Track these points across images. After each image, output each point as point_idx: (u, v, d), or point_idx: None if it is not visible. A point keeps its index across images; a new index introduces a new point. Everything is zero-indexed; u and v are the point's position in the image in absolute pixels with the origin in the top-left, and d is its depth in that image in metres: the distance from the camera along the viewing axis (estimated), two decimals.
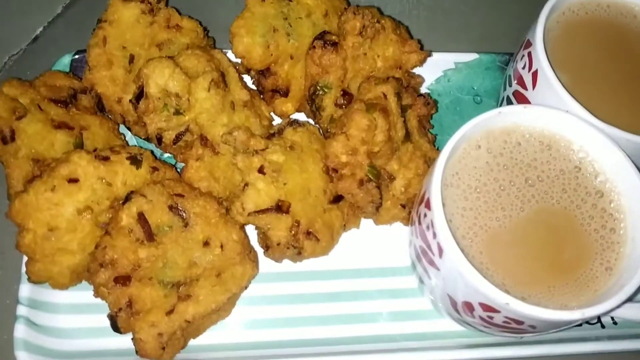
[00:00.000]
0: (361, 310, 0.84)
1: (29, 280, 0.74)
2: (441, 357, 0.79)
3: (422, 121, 0.88)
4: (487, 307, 0.67)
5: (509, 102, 0.86)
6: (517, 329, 0.69)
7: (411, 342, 0.82)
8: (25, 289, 0.78)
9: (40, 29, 1.03)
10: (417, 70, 0.95)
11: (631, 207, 0.72)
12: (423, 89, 1.00)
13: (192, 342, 0.79)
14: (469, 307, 0.70)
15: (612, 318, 0.85)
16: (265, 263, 0.83)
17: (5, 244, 0.83)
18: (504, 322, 0.68)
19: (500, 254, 0.70)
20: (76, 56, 0.92)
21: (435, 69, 1.00)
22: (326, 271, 0.86)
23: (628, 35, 0.84)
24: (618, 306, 0.65)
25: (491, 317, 0.68)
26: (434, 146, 0.89)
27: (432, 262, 0.71)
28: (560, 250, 0.71)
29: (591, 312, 0.64)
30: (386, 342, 0.82)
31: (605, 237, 0.72)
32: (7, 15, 1.04)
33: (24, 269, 0.77)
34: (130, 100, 0.79)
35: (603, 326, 0.86)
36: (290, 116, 0.91)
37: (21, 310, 0.76)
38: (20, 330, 0.75)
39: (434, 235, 0.68)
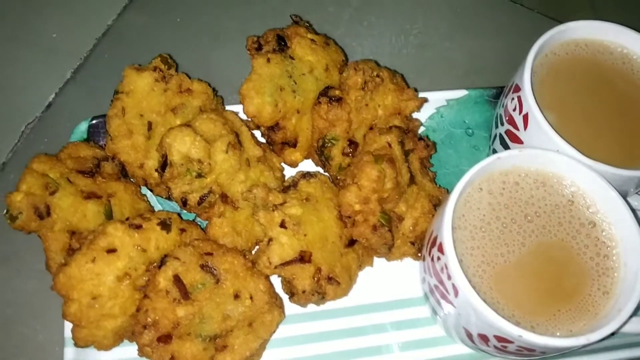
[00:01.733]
0: (380, 342, 0.91)
1: (76, 345, 0.79)
2: None
3: (423, 162, 0.95)
4: (501, 339, 0.74)
5: (502, 140, 0.93)
6: (529, 354, 0.76)
7: None
8: (70, 352, 0.83)
9: (53, 95, 1.07)
10: None
11: (621, 235, 0.79)
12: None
13: None
14: (484, 338, 0.77)
15: None
16: (290, 307, 0.89)
17: (43, 309, 0.88)
18: (517, 350, 0.75)
19: (508, 287, 0.77)
20: (93, 121, 0.97)
21: (428, 107, 1.07)
22: (346, 308, 0.92)
23: (606, 72, 0.92)
24: (619, 328, 0.73)
25: (505, 347, 0.75)
26: (436, 184, 0.96)
27: (446, 298, 0.78)
28: (561, 279, 0.78)
29: (595, 336, 0.71)
30: None
31: (600, 264, 0.79)
32: (20, 86, 1.08)
33: (67, 333, 0.82)
34: (156, 170, 0.85)
35: None
36: (299, 165, 0.98)
37: None
38: None
39: (449, 277, 0.74)
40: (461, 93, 1.08)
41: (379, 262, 0.94)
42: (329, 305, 0.91)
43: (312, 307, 0.91)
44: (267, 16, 1.20)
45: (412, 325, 0.93)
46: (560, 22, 0.90)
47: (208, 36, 1.12)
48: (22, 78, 1.09)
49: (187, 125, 0.85)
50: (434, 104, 1.08)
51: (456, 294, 0.74)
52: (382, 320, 0.92)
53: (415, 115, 1.02)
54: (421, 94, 1.03)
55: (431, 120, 1.08)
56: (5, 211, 0.80)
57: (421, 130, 1.07)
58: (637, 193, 0.95)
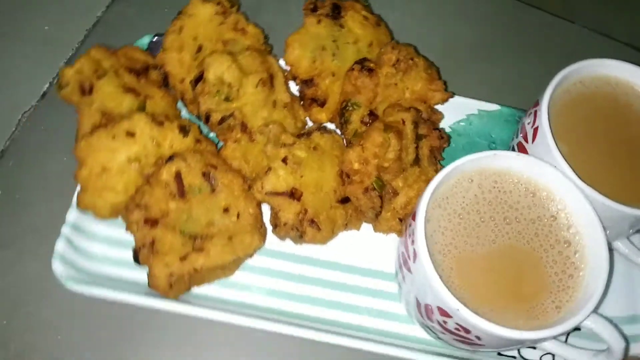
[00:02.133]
0: (345, 300, 0.96)
1: (77, 206, 0.89)
2: (402, 355, 0.89)
3: (434, 152, 1.00)
4: (443, 312, 0.78)
5: (513, 151, 0.97)
6: (466, 337, 0.79)
7: (382, 337, 0.93)
8: (72, 214, 0.93)
9: (47, 85, 1.13)
10: (444, 109, 1.07)
11: (591, 260, 0.81)
12: (446, 127, 1.12)
13: (195, 290, 0.92)
14: (429, 310, 0.81)
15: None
16: (272, 240, 0.95)
17: (46, 289, 0.95)
18: (455, 328, 0.78)
19: (467, 273, 0.80)
20: (154, 38, 1.08)
21: (460, 112, 1.12)
22: (322, 260, 0.98)
23: (629, 114, 0.94)
24: (553, 337, 0.76)
25: (445, 322, 0.79)
26: None
27: (407, 265, 0.83)
28: (520, 283, 0.81)
29: (529, 335, 0.74)
30: (360, 331, 0.93)
31: (563, 281, 0.81)
32: (16, 77, 1.14)
33: (73, 200, 0.93)
34: (190, 81, 0.95)
35: None
36: (323, 124, 1.05)
37: (65, 230, 0.91)
38: (60, 245, 0.90)
39: (413, 241, 0.79)
40: (494, 107, 1.12)
41: (366, 229, 0.99)
42: (308, 252, 0.97)
43: (292, 249, 0.97)
44: (251, 11, 1.18)
45: (378, 296, 0.97)
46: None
47: None
48: (17, 70, 1.15)
49: (230, 53, 0.94)
50: (466, 110, 1.12)
51: (415, 258, 0.79)
52: (353, 282, 0.97)
53: (446, 116, 1.08)
54: (457, 98, 1.09)
55: (459, 125, 1.13)
56: (55, 81, 0.92)
57: (448, 131, 1.12)
58: (628, 238, 0.96)
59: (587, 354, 0.87)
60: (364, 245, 1.00)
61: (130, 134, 0.87)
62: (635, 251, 0.98)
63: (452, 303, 0.74)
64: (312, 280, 0.97)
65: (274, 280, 0.96)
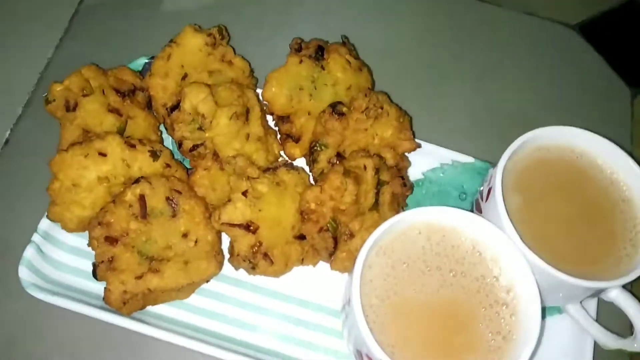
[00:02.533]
0: (291, 333, 0.99)
1: (47, 217, 0.95)
2: None
3: (398, 198, 1.03)
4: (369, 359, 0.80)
5: (472, 206, 0.99)
6: None
7: None
8: (44, 223, 0.98)
9: (8, 132, 1.15)
10: (420, 155, 1.10)
11: (525, 326, 0.83)
12: (420, 173, 1.14)
13: (149, 308, 0.96)
14: (360, 355, 0.83)
15: None
16: (230, 268, 0.99)
17: (38, 326, 0.99)
18: None
19: (403, 320, 0.83)
20: (148, 60, 1.14)
21: (434, 160, 1.14)
22: (275, 291, 1.01)
23: (589, 185, 0.96)
24: None
25: None
26: None
27: (345, 308, 0.86)
28: (454, 336, 0.83)
29: None
30: None
31: (496, 341, 0.83)
32: None
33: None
34: (166, 107, 1.00)
35: None
36: (296, 161, 1.09)
37: (36, 237, 0.97)
38: (29, 252, 0.95)
39: (352, 284, 0.82)
40: (469, 159, 1.14)
41: (322, 267, 1.02)
42: (265, 283, 1.01)
43: (249, 278, 1.01)
44: (241, 45, 1.18)
45: (325, 332, 1.00)
46: None
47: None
48: None
49: (208, 85, 0.98)
50: (440, 159, 1.14)
51: (349, 303, 0.82)
52: (300, 315, 1.00)
53: (421, 163, 1.11)
54: (432, 146, 1.12)
55: (432, 173, 1.15)
56: (44, 95, 0.98)
57: (420, 178, 1.15)
58: (581, 302, 0.97)
59: None
60: (319, 282, 1.03)
61: (102, 154, 0.92)
62: (586, 317, 0.99)
63: (377, 354, 0.76)
64: (262, 310, 1.00)
65: (228, 307, 1.00)
